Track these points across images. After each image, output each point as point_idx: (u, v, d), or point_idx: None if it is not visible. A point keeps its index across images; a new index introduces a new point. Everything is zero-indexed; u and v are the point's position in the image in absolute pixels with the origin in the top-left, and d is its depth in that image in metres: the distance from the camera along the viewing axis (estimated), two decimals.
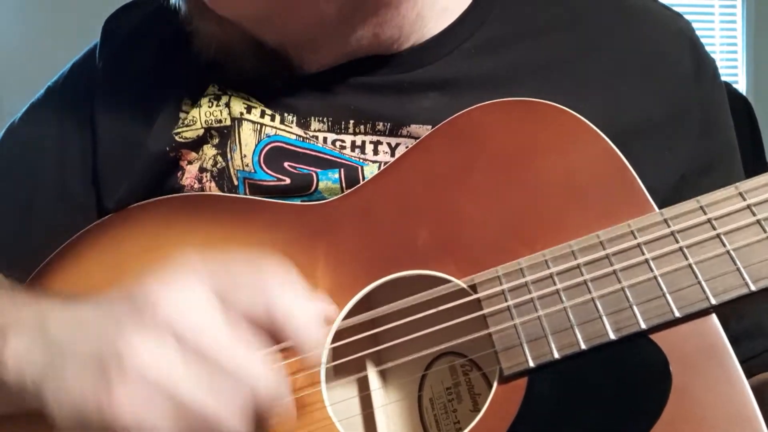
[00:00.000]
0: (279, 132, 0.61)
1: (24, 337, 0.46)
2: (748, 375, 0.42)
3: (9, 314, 0.49)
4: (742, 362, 0.42)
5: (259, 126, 0.61)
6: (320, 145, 0.60)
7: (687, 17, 0.66)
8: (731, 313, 0.51)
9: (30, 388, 0.45)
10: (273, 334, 0.44)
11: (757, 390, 0.41)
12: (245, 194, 0.60)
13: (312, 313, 0.44)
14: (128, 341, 0.41)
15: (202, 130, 0.61)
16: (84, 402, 0.41)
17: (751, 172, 0.56)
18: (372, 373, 0.54)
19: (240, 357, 0.41)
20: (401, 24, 0.59)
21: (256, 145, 0.61)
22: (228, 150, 0.61)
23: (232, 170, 0.61)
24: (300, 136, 0.60)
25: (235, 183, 0.61)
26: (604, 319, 0.44)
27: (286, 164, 0.60)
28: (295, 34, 0.58)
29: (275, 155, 0.60)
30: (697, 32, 0.65)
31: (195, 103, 0.62)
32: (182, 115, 0.62)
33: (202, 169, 0.62)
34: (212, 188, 0.61)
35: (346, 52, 0.60)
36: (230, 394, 0.41)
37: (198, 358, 0.41)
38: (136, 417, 0.40)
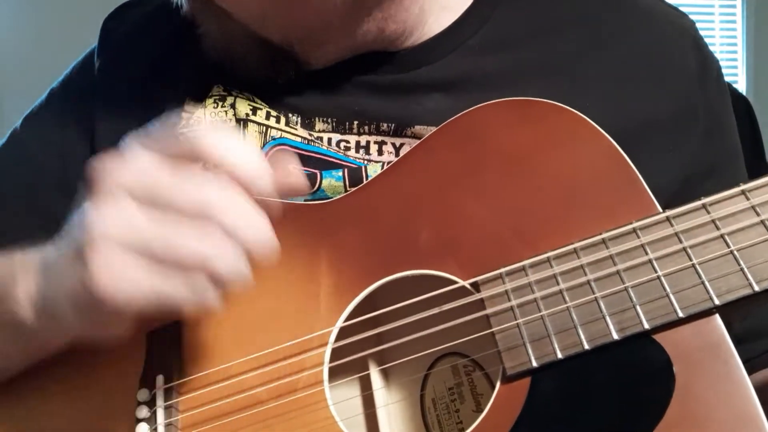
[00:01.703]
0: (284, 134, 0.61)
1: (29, 275, 0.50)
2: (750, 373, 0.42)
3: (17, 261, 0.53)
4: (745, 361, 0.42)
5: (264, 128, 0.61)
6: (325, 148, 0.60)
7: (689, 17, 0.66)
8: (736, 315, 0.51)
9: (42, 312, 0.48)
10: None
11: (759, 389, 0.41)
12: None
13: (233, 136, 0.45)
14: (89, 217, 0.43)
15: None
16: (76, 293, 0.44)
17: (751, 172, 0.56)
18: (374, 373, 0.54)
19: (190, 187, 0.43)
20: (405, 18, 0.59)
21: (261, 148, 0.60)
22: None
23: None
24: (305, 138, 0.60)
25: None
26: (608, 319, 0.44)
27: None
28: (300, 28, 0.58)
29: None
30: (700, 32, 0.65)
31: (199, 103, 0.62)
32: (186, 115, 0.62)
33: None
34: None
35: (350, 47, 0.60)
36: (195, 226, 0.42)
37: (153, 202, 0.43)
38: (118, 280, 0.42)
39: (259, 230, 0.44)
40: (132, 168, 0.43)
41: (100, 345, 0.48)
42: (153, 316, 0.44)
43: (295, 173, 0.48)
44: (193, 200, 0.42)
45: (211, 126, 0.46)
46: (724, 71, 0.67)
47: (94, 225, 0.42)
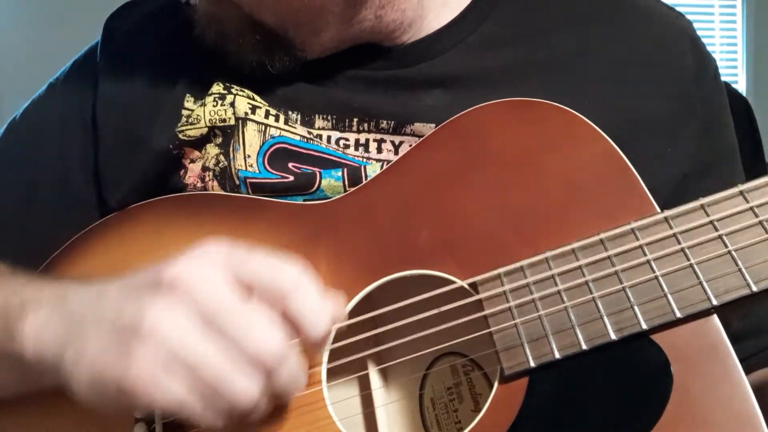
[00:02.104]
0: (283, 133, 0.61)
1: (43, 311, 0.48)
2: (748, 372, 0.42)
3: (28, 292, 0.51)
4: (742, 360, 0.42)
5: (263, 127, 0.61)
6: (324, 146, 0.60)
7: (686, 16, 0.66)
8: (734, 316, 0.51)
9: (49, 358, 0.46)
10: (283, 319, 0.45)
11: (757, 389, 0.41)
12: (247, 193, 0.60)
13: (322, 304, 0.45)
14: (148, 310, 0.42)
15: (206, 129, 0.61)
16: (103, 368, 0.43)
17: (750, 173, 0.56)
18: (373, 373, 0.54)
19: (256, 329, 0.43)
20: (404, 8, 0.59)
21: (260, 146, 0.60)
22: (231, 149, 0.61)
23: (233, 170, 0.61)
24: (304, 137, 0.60)
25: (237, 183, 0.61)
26: (605, 319, 0.44)
27: (290, 165, 0.60)
28: (296, 12, 0.57)
29: (280, 156, 0.60)
30: (697, 32, 0.65)
31: (199, 100, 0.62)
32: (185, 112, 0.62)
33: (204, 168, 0.62)
34: (215, 187, 0.61)
35: (347, 36, 0.59)
36: (246, 365, 0.42)
37: (215, 328, 0.42)
38: (154, 384, 0.41)
39: (294, 394, 0.46)
40: (207, 282, 0.43)
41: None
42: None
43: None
44: (253, 349, 0.42)
45: (302, 273, 0.46)
46: (724, 71, 0.67)
47: (152, 321, 0.42)
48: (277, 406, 0.47)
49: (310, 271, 0.46)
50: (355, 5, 0.57)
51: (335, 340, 0.51)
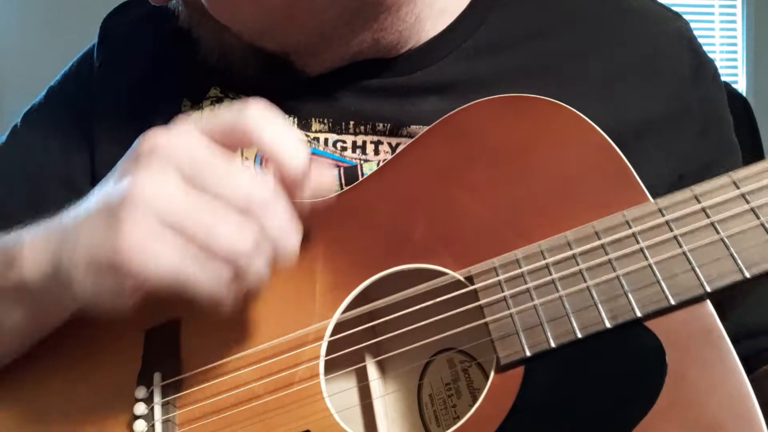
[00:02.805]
0: None
1: (39, 234, 0.49)
2: (749, 373, 0.42)
3: (24, 229, 0.52)
4: (743, 360, 0.42)
5: None
6: (321, 149, 0.60)
7: (687, 17, 0.66)
8: (729, 311, 0.51)
9: (49, 271, 0.46)
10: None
11: (753, 381, 0.41)
12: None
13: (291, 134, 0.45)
14: (131, 180, 0.42)
15: None
16: (95, 249, 0.42)
17: None
18: (370, 365, 0.54)
19: (240, 176, 0.43)
20: (401, 29, 0.59)
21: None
22: None
23: None
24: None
25: None
26: (600, 307, 0.44)
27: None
28: (296, 41, 0.59)
29: None
30: (697, 32, 0.65)
31: (196, 104, 0.63)
32: (182, 116, 0.63)
33: None
34: None
35: (346, 56, 0.60)
36: (235, 213, 0.42)
37: (198, 184, 0.42)
38: (145, 251, 0.41)
39: (292, 241, 0.45)
40: (184, 144, 0.43)
41: (101, 319, 0.47)
42: (162, 298, 0.43)
43: (328, 178, 0.50)
44: (240, 194, 0.42)
45: (265, 108, 0.45)
46: (724, 71, 0.67)
47: (135, 189, 0.41)
48: (274, 389, 0.46)
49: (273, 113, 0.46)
50: (354, 29, 0.58)
51: (333, 334, 0.51)
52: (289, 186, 0.45)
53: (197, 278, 0.42)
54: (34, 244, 0.48)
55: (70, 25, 1.76)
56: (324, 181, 0.49)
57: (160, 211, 0.41)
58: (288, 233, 0.45)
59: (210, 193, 0.42)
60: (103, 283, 0.43)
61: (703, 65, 0.63)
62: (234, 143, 0.45)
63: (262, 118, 0.44)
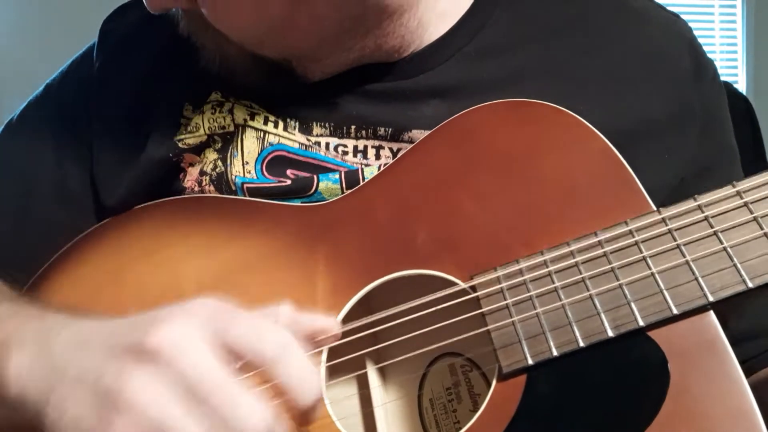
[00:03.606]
0: (282, 140, 0.61)
1: (27, 354, 0.46)
2: (748, 374, 0.42)
3: (12, 326, 0.49)
4: (742, 362, 0.42)
5: (262, 134, 0.61)
6: (322, 154, 0.60)
7: (687, 17, 0.66)
8: (730, 314, 0.51)
9: (30, 407, 0.44)
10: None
11: (755, 388, 0.41)
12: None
13: (309, 370, 0.43)
14: (129, 379, 0.40)
15: (205, 137, 0.62)
16: (77, 426, 0.41)
17: (751, 172, 0.56)
18: (372, 372, 0.54)
19: (237, 400, 0.40)
20: (403, 33, 0.59)
21: (259, 153, 0.61)
22: (228, 155, 0.61)
23: (230, 176, 0.61)
24: (303, 144, 0.61)
25: (233, 188, 0.61)
26: (602, 316, 0.44)
27: (288, 171, 0.60)
28: (297, 49, 0.59)
29: (278, 163, 0.61)
30: (697, 32, 0.65)
31: (197, 108, 0.62)
32: (184, 121, 0.63)
33: (202, 173, 0.62)
34: (211, 192, 0.61)
35: (348, 61, 0.60)
36: None
37: (198, 402, 0.40)
38: None
39: None
40: (191, 359, 0.41)
41: None
42: None
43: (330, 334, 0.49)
44: (238, 423, 0.40)
45: (281, 337, 0.43)
46: (724, 71, 0.67)
47: (130, 394, 0.40)
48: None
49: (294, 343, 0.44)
50: (355, 36, 0.57)
51: None
52: (298, 415, 0.44)
53: None
54: (21, 366, 0.46)
55: (69, 25, 1.75)
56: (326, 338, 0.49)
57: (153, 423, 0.39)
58: None
59: (209, 412, 0.40)
60: None
61: (704, 66, 0.63)
62: (246, 360, 0.43)
63: (277, 356, 0.42)
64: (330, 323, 0.49)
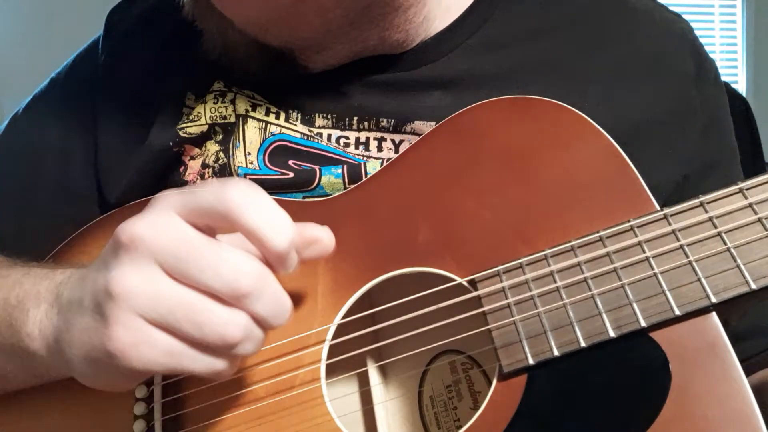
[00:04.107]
0: (284, 130, 0.61)
1: (42, 307, 0.49)
2: (748, 373, 0.42)
3: (27, 286, 0.52)
4: (742, 360, 0.42)
5: (264, 124, 0.61)
6: (325, 144, 0.60)
7: (687, 17, 0.66)
8: (733, 314, 0.51)
9: (53, 351, 0.48)
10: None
11: (756, 389, 0.41)
12: None
13: (276, 213, 0.44)
14: (114, 273, 0.42)
15: (207, 126, 0.61)
16: (90, 342, 0.43)
17: (749, 172, 0.56)
18: (372, 369, 0.54)
19: (224, 259, 0.42)
20: (408, 28, 0.59)
21: (261, 144, 0.61)
22: (231, 146, 0.61)
23: (233, 167, 0.61)
24: (304, 134, 0.60)
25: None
26: (604, 316, 0.44)
27: (290, 162, 0.60)
28: (301, 38, 0.58)
29: (280, 153, 0.61)
30: (697, 32, 0.65)
31: (200, 98, 0.62)
32: (186, 110, 0.62)
33: (204, 165, 0.62)
34: None
35: (351, 53, 0.60)
36: (224, 298, 0.42)
37: (182, 271, 0.42)
38: (138, 343, 0.41)
39: (282, 319, 0.44)
40: (164, 234, 0.42)
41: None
42: None
43: (321, 241, 0.49)
44: (225, 282, 0.42)
45: (244, 185, 0.44)
46: (724, 71, 0.67)
47: (118, 288, 0.41)
48: (276, 403, 0.46)
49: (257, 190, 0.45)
50: (359, 27, 0.57)
51: (335, 337, 0.51)
52: (275, 263, 0.44)
53: (191, 367, 0.43)
54: (38, 321, 0.49)
55: (70, 26, 1.74)
56: (319, 244, 0.49)
57: (144, 310, 0.41)
58: (278, 312, 0.44)
59: (195, 283, 0.42)
60: (102, 374, 0.44)
61: (705, 66, 0.63)
62: (215, 225, 0.44)
63: (241, 201, 0.43)
64: (323, 232, 0.49)
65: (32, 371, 0.52)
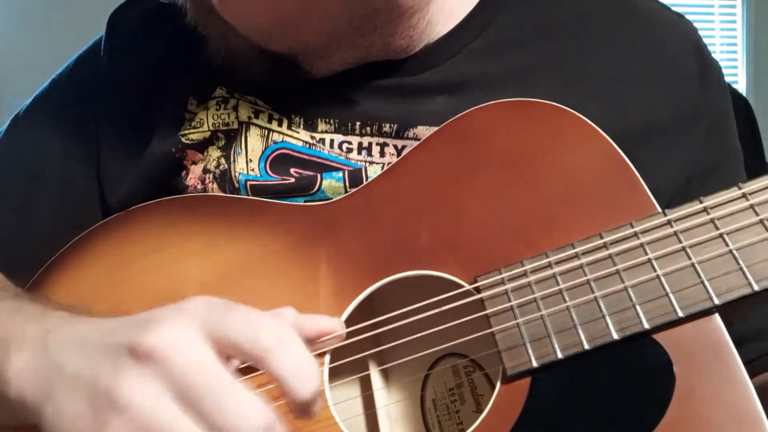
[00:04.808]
0: (286, 138, 0.61)
1: (26, 354, 0.46)
2: (752, 375, 0.42)
3: (13, 326, 0.49)
4: (746, 363, 0.41)
5: (266, 131, 0.61)
6: (326, 152, 0.60)
7: (687, 17, 0.66)
8: (735, 315, 0.51)
9: (29, 406, 0.44)
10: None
11: (760, 390, 0.41)
12: (247, 196, 0.60)
13: (306, 363, 0.42)
14: (124, 380, 0.40)
15: (209, 133, 0.61)
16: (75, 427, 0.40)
17: (750, 172, 0.56)
18: (375, 373, 0.54)
19: (234, 400, 0.40)
20: (411, 34, 0.59)
21: (263, 151, 0.61)
22: (232, 153, 0.61)
23: (234, 173, 0.61)
24: (307, 142, 0.60)
25: (236, 186, 0.60)
26: (607, 318, 0.44)
27: (292, 170, 0.60)
28: (304, 44, 0.58)
29: (281, 161, 0.61)
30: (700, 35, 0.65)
31: (202, 104, 0.62)
32: (188, 115, 0.62)
33: (205, 170, 0.62)
34: (214, 189, 0.61)
35: (355, 59, 0.60)
36: None
37: (192, 402, 0.39)
38: None
39: None
40: (185, 359, 0.40)
41: None
42: None
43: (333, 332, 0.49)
44: (233, 423, 0.39)
45: (276, 327, 0.42)
46: (724, 71, 0.67)
47: (124, 397, 0.39)
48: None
49: (294, 324, 0.43)
50: (363, 34, 0.57)
51: None
52: (297, 411, 0.43)
53: None
54: (20, 367, 0.46)
55: (70, 26, 1.75)
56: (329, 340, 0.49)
57: (148, 424, 0.39)
58: None
59: (203, 412, 0.39)
60: None
61: (709, 68, 0.63)
62: (242, 359, 0.42)
63: (272, 347, 0.41)
64: (334, 324, 0.49)
65: (5, 409, 0.47)
